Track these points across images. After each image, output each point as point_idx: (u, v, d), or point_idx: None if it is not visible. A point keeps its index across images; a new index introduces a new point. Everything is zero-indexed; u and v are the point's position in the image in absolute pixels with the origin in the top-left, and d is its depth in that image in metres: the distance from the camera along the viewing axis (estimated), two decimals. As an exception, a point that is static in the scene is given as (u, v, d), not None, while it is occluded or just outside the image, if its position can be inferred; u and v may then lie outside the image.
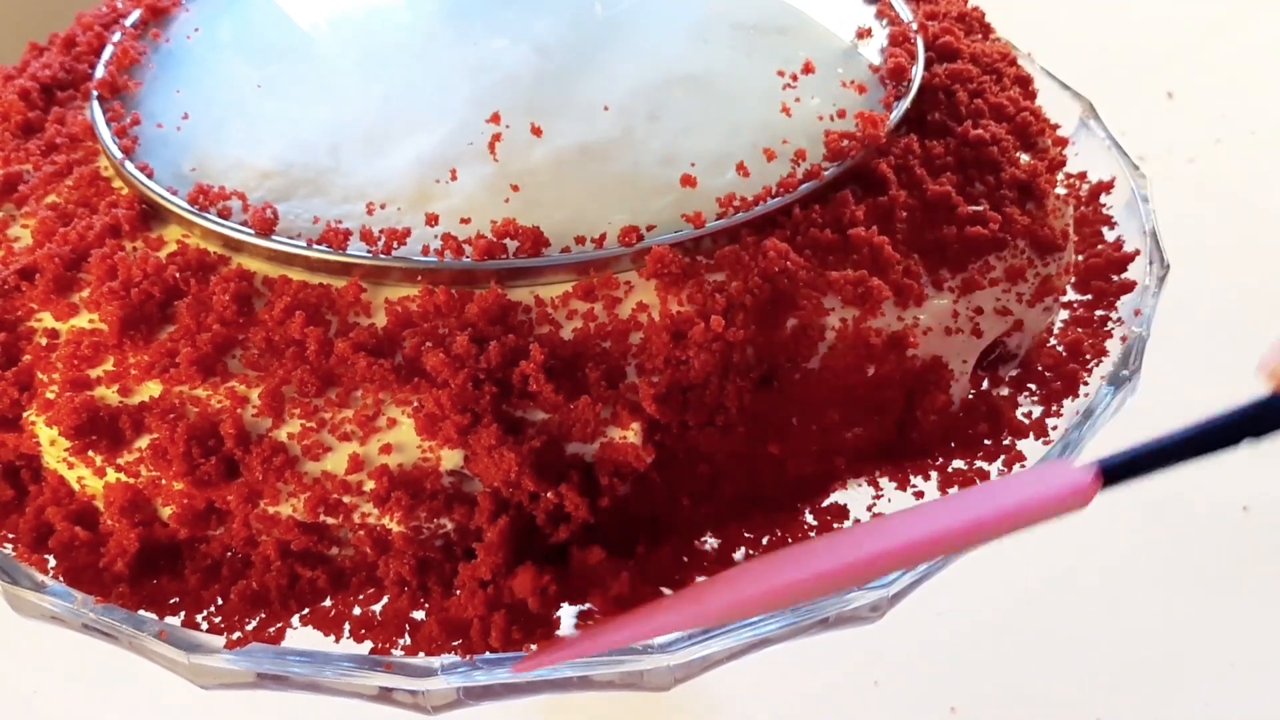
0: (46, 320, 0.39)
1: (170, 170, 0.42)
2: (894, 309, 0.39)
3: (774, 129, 0.42)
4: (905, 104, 0.44)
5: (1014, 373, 0.44)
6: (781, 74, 0.43)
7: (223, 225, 0.39)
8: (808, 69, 0.44)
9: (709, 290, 0.37)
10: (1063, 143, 0.52)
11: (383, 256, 0.38)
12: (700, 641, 0.36)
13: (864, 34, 0.47)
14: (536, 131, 0.41)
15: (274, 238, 0.39)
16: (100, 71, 0.46)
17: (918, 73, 0.45)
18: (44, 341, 0.39)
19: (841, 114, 0.43)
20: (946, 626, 0.58)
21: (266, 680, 0.36)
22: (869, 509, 0.40)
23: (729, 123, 0.42)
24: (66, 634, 0.38)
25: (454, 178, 0.40)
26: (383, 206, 0.39)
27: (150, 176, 0.41)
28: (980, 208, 0.42)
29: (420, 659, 0.36)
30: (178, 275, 0.39)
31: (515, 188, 0.39)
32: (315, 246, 0.38)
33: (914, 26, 0.47)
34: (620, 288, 0.38)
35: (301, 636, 0.37)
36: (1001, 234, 0.42)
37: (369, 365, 0.36)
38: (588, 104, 0.43)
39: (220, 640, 0.36)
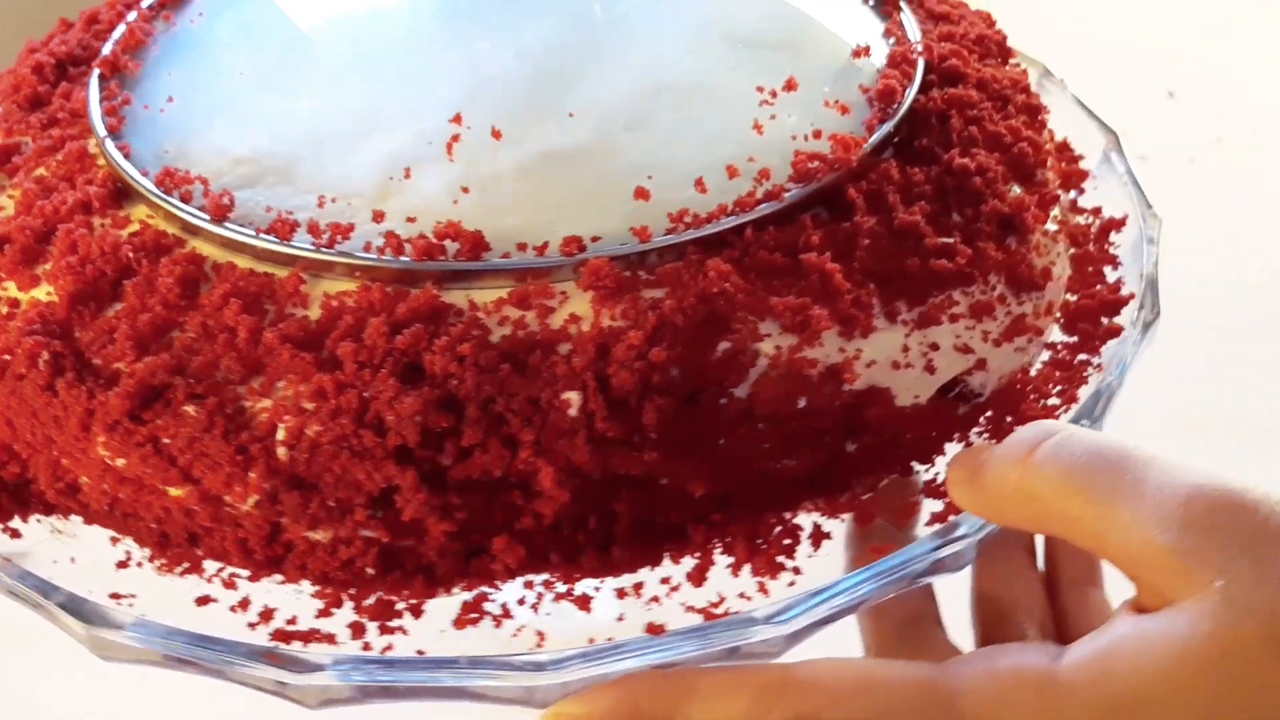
0: (11, 289, 0.41)
1: (151, 151, 0.43)
2: (837, 339, 0.38)
3: (745, 146, 0.41)
4: (888, 127, 0.42)
5: (986, 414, 0.42)
6: (761, 89, 0.43)
7: (181, 209, 0.40)
8: (790, 86, 0.43)
9: (643, 307, 0.37)
10: (1082, 176, 0.51)
11: (325, 250, 0.38)
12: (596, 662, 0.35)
13: (860, 53, 0.45)
14: (496, 135, 0.40)
15: (226, 224, 0.39)
16: (106, 50, 0.47)
17: (910, 95, 0.44)
18: (4, 310, 0.40)
19: (817, 134, 0.41)
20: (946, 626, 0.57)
21: (171, 662, 0.37)
22: (812, 534, 0.39)
23: (704, 137, 0.42)
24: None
25: (407, 176, 0.40)
26: (334, 200, 0.40)
27: (128, 156, 0.42)
28: (950, 240, 0.40)
29: (311, 651, 0.36)
30: (131, 255, 0.39)
31: (465, 189, 0.39)
32: (262, 236, 0.39)
33: (918, 47, 0.46)
34: (556, 297, 0.37)
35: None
36: (969, 269, 0.40)
37: (291, 357, 0.36)
38: (569, 110, 0.42)
39: (123, 616, 0.36)
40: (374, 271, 0.38)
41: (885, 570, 0.37)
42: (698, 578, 0.38)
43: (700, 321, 0.37)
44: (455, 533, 0.37)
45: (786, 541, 0.39)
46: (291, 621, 0.37)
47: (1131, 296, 0.45)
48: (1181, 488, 0.32)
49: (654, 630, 0.36)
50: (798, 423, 0.38)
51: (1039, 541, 0.46)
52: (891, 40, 0.47)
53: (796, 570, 0.38)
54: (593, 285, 0.37)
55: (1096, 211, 0.49)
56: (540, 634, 0.37)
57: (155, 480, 0.38)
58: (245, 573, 0.39)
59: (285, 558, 0.38)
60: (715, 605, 0.37)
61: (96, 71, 0.46)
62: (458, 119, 0.41)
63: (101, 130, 0.43)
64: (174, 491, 0.38)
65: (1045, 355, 0.44)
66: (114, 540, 0.40)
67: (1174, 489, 0.32)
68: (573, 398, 0.36)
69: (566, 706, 0.35)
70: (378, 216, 0.39)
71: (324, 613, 0.38)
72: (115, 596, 0.38)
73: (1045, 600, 0.44)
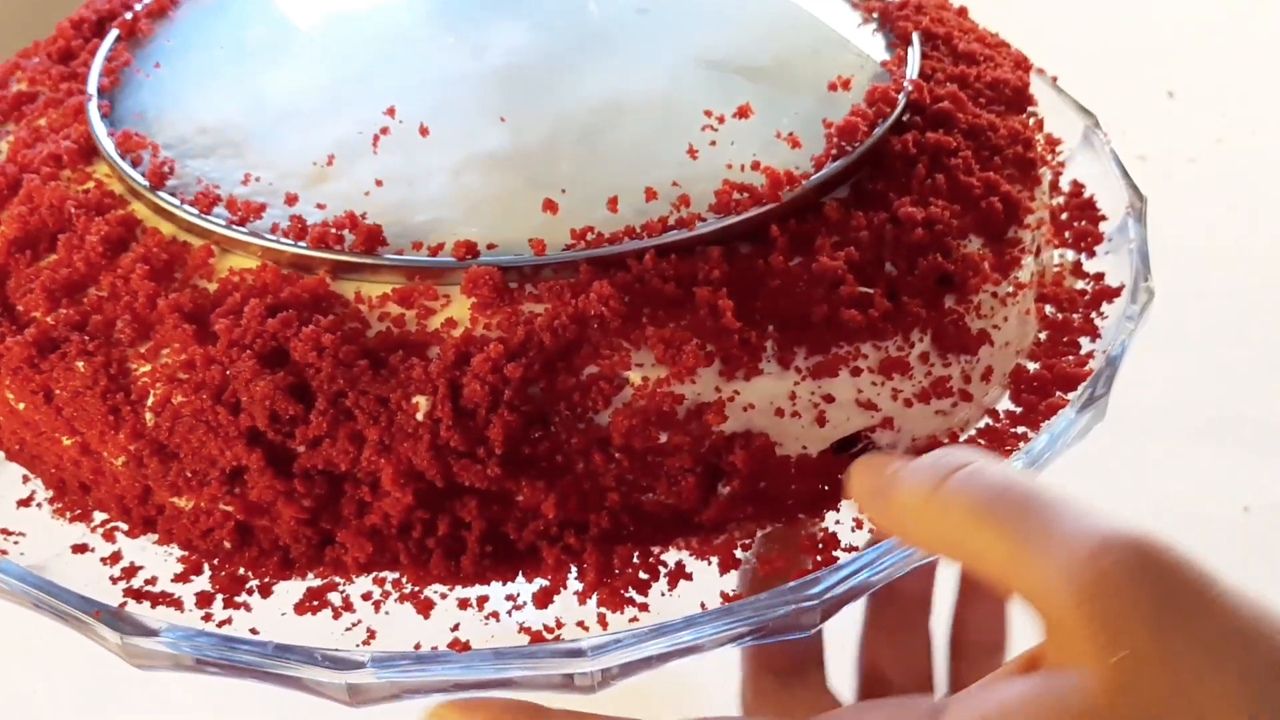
0: (-24, 230, 0.43)
1: (132, 113, 0.45)
2: (714, 377, 0.37)
3: (677, 170, 0.40)
4: (836, 166, 0.40)
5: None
6: (709, 114, 0.41)
7: (127, 172, 0.41)
8: (742, 113, 0.42)
9: (518, 320, 0.37)
10: (1098, 239, 0.48)
11: (235, 228, 0.39)
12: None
13: (835, 86, 0.44)
14: (424, 132, 0.41)
15: (159, 192, 0.41)
16: (130, 13, 0.49)
17: (877, 135, 0.42)
18: (-32, 250, 0.43)
19: (755, 166, 0.40)
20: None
21: (41, 610, 0.38)
22: (671, 572, 0.38)
23: (641, 157, 0.41)
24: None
25: (330, 163, 0.40)
26: (258, 179, 0.40)
27: (106, 115, 0.44)
28: (870, 291, 0.39)
29: (151, 615, 0.37)
30: (73, 210, 0.41)
31: (379, 183, 0.40)
32: (185, 206, 0.40)
33: (907, 85, 0.44)
34: (439, 299, 0.37)
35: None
36: (883, 323, 0.38)
37: (175, 326, 0.37)
38: (530, 114, 0.42)
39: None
40: (274, 254, 0.39)
41: (716, 617, 0.35)
42: (543, 600, 0.37)
43: (569, 342, 0.36)
44: (306, 519, 0.37)
45: (643, 576, 0.38)
46: (151, 582, 0.39)
47: (1088, 374, 0.42)
48: (1090, 538, 0.29)
49: (456, 647, 0.35)
50: (657, 457, 0.37)
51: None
52: (886, 76, 0.45)
53: (644, 607, 0.37)
54: (473, 292, 0.37)
55: (1099, 277, 0.46)
56: (371, 631, 0.37)
57: (46, 428, 0.39)
58: (125, 527, 0.40)
59: (157, 519, 0.39)
60: (550, 630, 0.37)
61: (114, 32, 0.48)
62: (390, 112, 0.41)
63: (91, 88, 0.45)
64: (65, 441, 0.39)
65: (985, 421, 0.42)
66: (25, 479, 0.42)
67: (1083, 539, 0.29)
68: (421, 402, 0.36)
69: (447, 710, 0.35)
70: (290, 200, 0.40)
71: (181, 577, 0.38)
72: (5, 533, 0.40)
73: (928, 661, 0.42)
